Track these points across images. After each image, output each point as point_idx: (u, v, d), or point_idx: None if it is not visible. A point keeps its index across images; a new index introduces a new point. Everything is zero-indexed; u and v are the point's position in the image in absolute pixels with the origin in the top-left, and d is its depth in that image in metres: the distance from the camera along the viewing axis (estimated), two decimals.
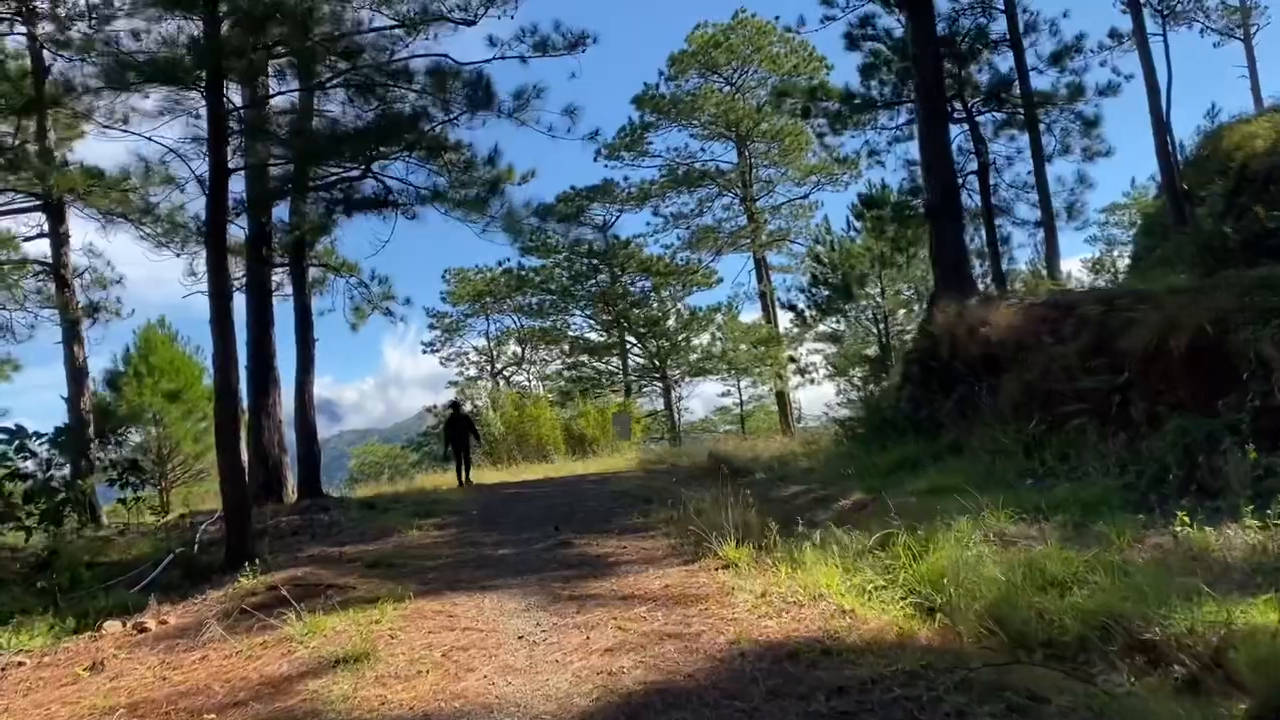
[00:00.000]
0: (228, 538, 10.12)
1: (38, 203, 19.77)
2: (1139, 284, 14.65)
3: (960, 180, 20.08)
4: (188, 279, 18.99)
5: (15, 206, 19.80)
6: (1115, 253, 42.46)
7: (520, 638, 5.83)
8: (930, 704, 4.18)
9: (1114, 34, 23.73)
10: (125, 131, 12.36)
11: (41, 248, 20.85)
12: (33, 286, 20.84)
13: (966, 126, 21.72)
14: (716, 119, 43.92)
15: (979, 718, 4.02)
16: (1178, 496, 8.90)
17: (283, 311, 18.74)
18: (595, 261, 46.20)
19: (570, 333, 49.22)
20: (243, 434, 18.45)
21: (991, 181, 22.46)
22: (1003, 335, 13.80)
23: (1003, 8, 21.87)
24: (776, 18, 42.47)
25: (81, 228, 22.18)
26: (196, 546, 11.42)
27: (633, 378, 46.38)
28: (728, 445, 23.75)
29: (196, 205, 14.69)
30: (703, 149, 45.63)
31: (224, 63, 9.93)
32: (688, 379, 46.73)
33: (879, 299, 34.38)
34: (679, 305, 46.49)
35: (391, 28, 14.75)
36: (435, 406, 47.45)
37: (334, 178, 14.58)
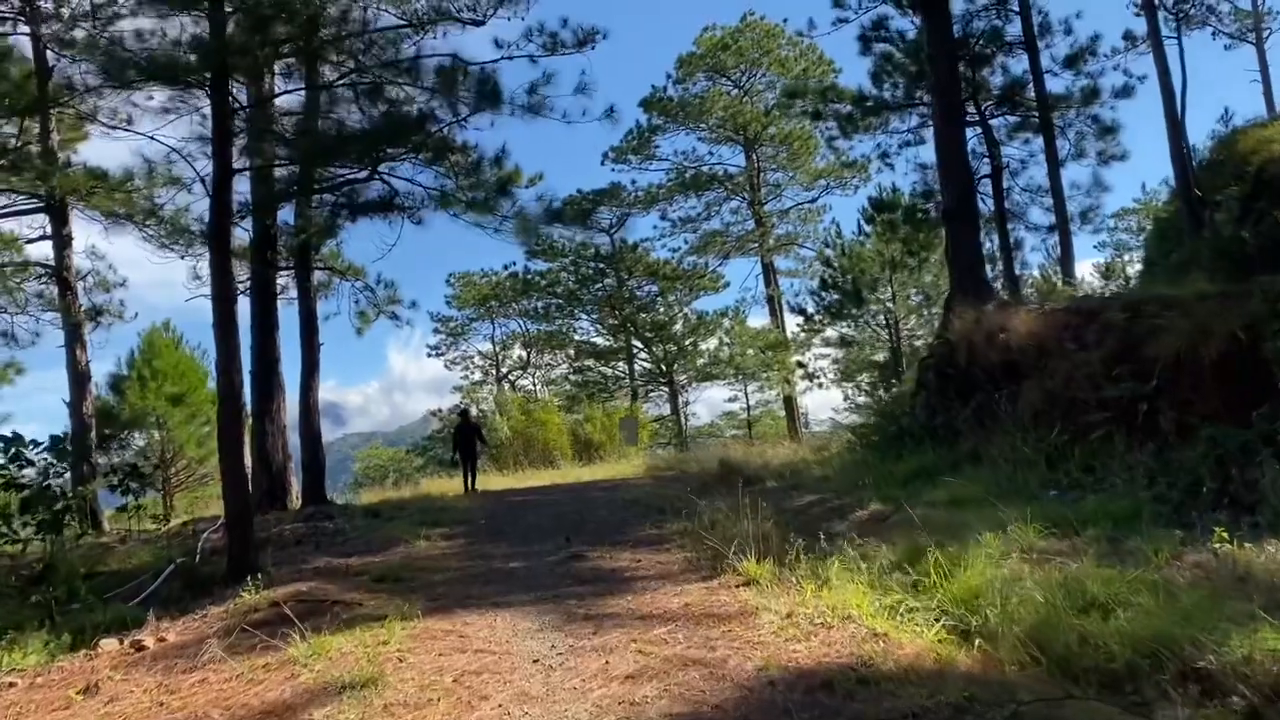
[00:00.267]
0: (230, 548, 9.85)
1: (40, 204, 19.54)
2: (1152, 289, 14.38)
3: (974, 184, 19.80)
4: (192, 283, 18.81)
5: (18, 208, 19.60)
6: (1125, 258, 42.14)
7: (535, 661, 5.55)
8: None
9: (1128, 37, 23.53)
10: (129, 131, 12.15)
11: (44, 250, 20.70)
12: (35, 290, 20.63)
13: (979, 130, 21.48)
14: (724, 122, 43.71)
15: None
16: (1211, 510, 8.58)
17: (288, 315, 18.55)
18: (602, 265, 45.99)
19: (576, 337, 49.06)
20: (246, 439, 18.36)
21: (1005, 185, 22.22)
22: (1023, 341, 13.48)
23: (1017, 9, 21.62)
24: (785, 20, 42.38)
25: (84, 230, 22.00)
26: (198, 556, 11.17)
27: (639, 382, 46.11)
28: (736, 451, 23.41)
29: (200, 207, 14.51)
30: (710, 152, 45.53)
31: (229, 60, 9.67)
32: (694, 384, 46.48)
33: (889, 304, 34.07)
34: (686, 310, 46.31)
35: (399, 27, 14.55)
36: (440, 410, 47.35)
37: (340, 180, 14.34)
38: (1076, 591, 6.02)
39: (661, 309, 46.10)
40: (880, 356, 36.90)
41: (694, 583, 7.45)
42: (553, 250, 45.55)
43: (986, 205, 21.21)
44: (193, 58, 9.87)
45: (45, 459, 10.31)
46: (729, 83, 44.06)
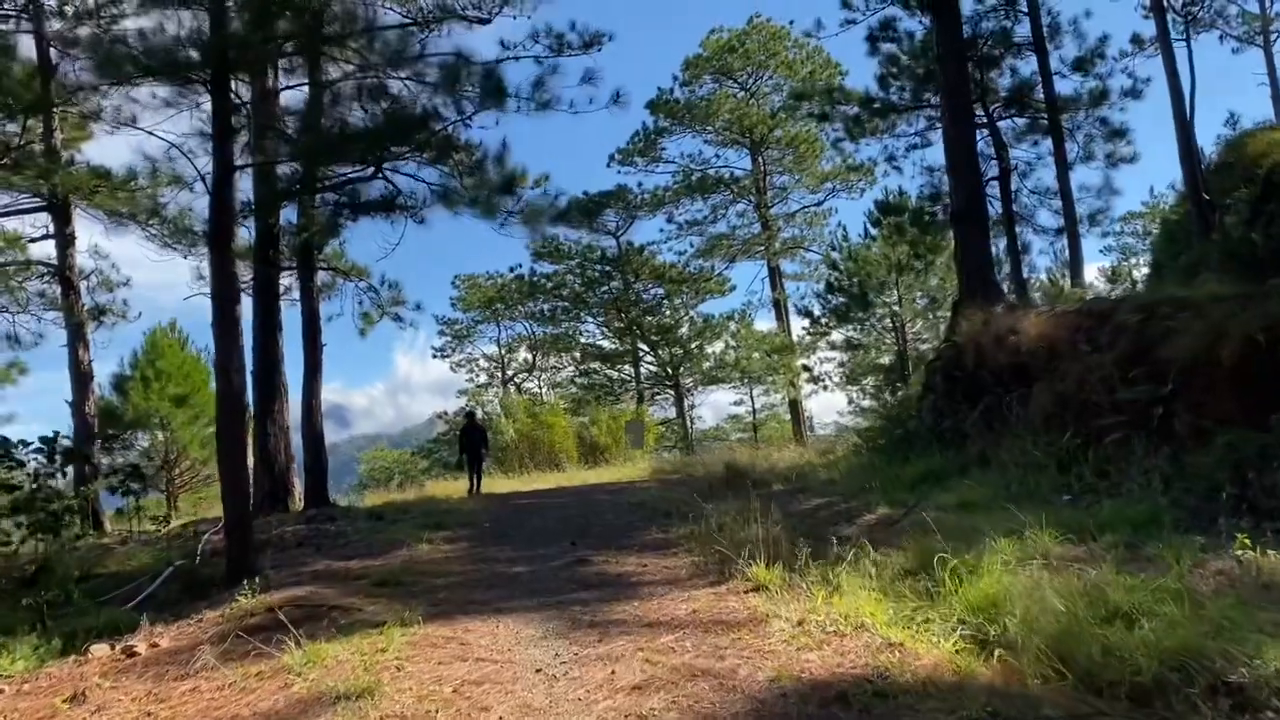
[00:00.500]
0: (229, 551, 9.67)
1: (43, 204, 19.42)
2: (1165, 291, 14.16)
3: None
4: (196, 282, 18.67)
5: (20, 207, 19.49)
6: (1132, 261, 41.94)
7: (538, 670, 5.36)
8: None
9: (1135, 39, 23.40)
10: (132, 128, 12.01)
11: (47, 250, 20.57)
12: (38, 289, 20.52)
13: (987, 132, 21.30)
14: (731, 125, 43.55)
15: None
16: (1230, 516, 8.37)
17: (291, 316, 18.39)
18: (608, 268, 45.82)
19: (582, 340, 48.90)
20: (248, 441, 18.19)
21: (1012, 188, 22.04)
22: (1033, 343, 13.30)
23: (1026, 10, 21.44)
24: (791, 22, 42.24)
25: (88, 230, 21.90)
26: (199, 558, 11.00)
27: (645, 385, 45.93)
28: (742, 455, 23.20)
29: (203, 205, 14.32)
30: (717, 155, 45.43)
31: (229, 55, 9.50)
32: (700, 387, 46.31)
33: (895, 307, 33.91)
34: (692, 313, 46.15)
35: (404, 25, 14.41)
36: (446, 413, 47.24)
37: (343, 179, 14.18)
38: (1098, 600, 5.83)
39: (667, 312, 46.00)
40: (886, 360, 36.73)
41: (702, 588, 7.26)
42: (559, 252, 45.45)
43: (994, 208, 21.04)
44: (193, 53, 9.70)
45: (37, 460, 10.14)
46: (735, 85, 43.92)
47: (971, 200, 17.39)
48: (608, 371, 47.78)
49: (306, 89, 13.70)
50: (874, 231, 34.56)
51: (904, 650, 5.20)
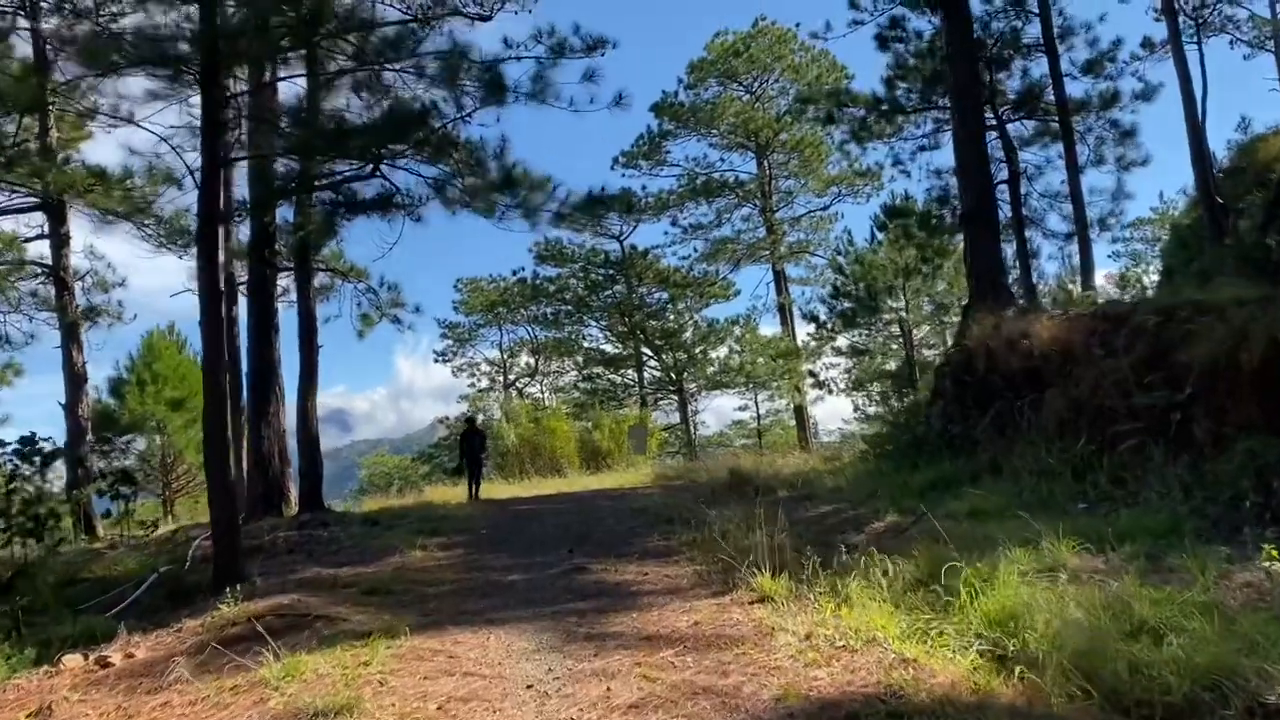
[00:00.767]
0: (216, 557, 9.39)
1: (36, 202, 19.18)
2: (1184, 294, 13.87)
3: None
4: (193, 282, 18.40)
5: (14, 205, 19.24)
6: (1141, 267, 41.60)
7: (529, 687, 5.04)
8: None
9: (1146, 43, 23.15)
10: (128, 124, 11.73)
11: (41, 249, 20.34)
12: (31, 289, 20.28)
13: (997, 135, 21.02)
14: (736, 128, 43.28)
15: None
16: (1255, 526, 8.06)
17: (288, 318, 18.13)
18: (611, 272, 45.54)
19: (585, 344, 48.60)
20: (241, 443, 17.91)
21: (1022, 191, 21.76)
22: (1046, 347, 12.98)
23: (1037, 11, 21.16)
24: (797, 25, 41.97)
25: (83, 229, 21.63)
26: (188, 563, 10.71)
27: (648, 390, 45.62)
28: (746, 461, 22.90)
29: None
30: (722, 159, 45.15)
31: (220, 45, 9.21)
32: (704, 392, 46.00)
33: (903, 312, 33.61)
34: (696, 317, 45.85)
35: (404, 21, 14.14)
36: (447, 418, 46.95)
37: (340, 177, 13.91)
38: (1123, 614, 5.51)
39: (671, 316, 45.69)
40: (892, 365, 36.42)
41: (704, 599, 6.94)
42: (562, 256, 45.22)
43: (1003, 212, 20.73)
44: (183, 45, 9.42)
45: (14, 463, 9.81)
46: (741, 88, 43.67)
47: (982, 201, 17.09)
48: (611, 376, 47.46)
49: (303, 81, 13.40)
50: (880, 235, 34.26)
51: (918, 667, 4.89)
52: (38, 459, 9.93)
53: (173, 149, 10.62)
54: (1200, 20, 24.17)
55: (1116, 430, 10.86)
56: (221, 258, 18.16)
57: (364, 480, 48.87)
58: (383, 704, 4.81)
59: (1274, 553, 6.60)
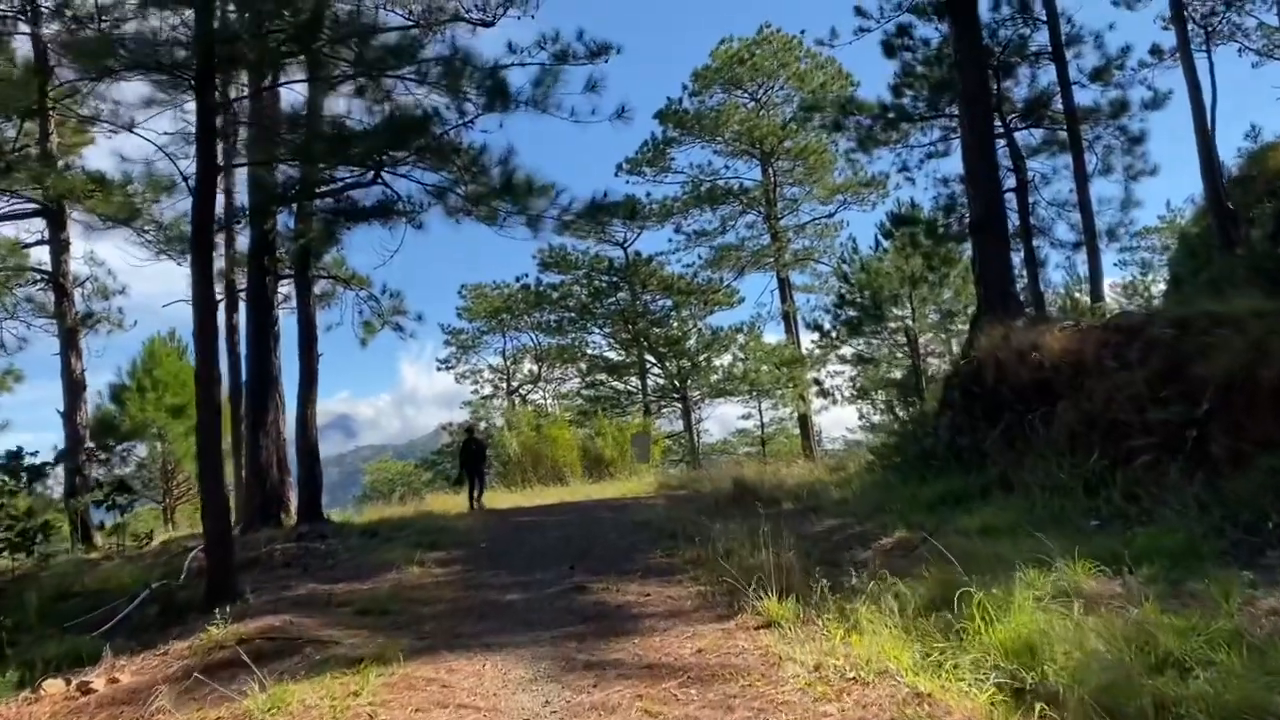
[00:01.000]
0: (209, 572, 9.18)
1: (37, 208, 19.03)
2: (1200, 305, 13.63)
3: None
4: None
5: (14, 211, 19.08)
6: (1149, 277, 41.31)
7: None
8: None
9: (1155, 50, 22.95)
10: (129, 131, 11.56)
11: (40, 255, 20.21)
12: (28, 295, 20.13)
13: (1004, 143, 20.81)
14: (740, 135, 43.13)
15: None
16: (1276, 548, 7.81)
17: (289, 325, 17.95)
18: (615, 279, 45.36)
19: (588, 351, 48.40)
20: (241, 452, 17.71)
21: (1030, 200, 21.55)
22: (1057, 359, 12.72)
23: (1045, 19, 20.96)
24: (803, 32, 41.74)
25: (84, 237, 21.48)
26: (183, 576, 10.48)
27: (652, 398, 45.39)
28: (750, 470, 22.62)
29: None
30: (726, 166, 44.98)
31: (215, 49, 9.02)
32: (708, 400, 45.75)
33: (909, 321, 33.36)
34: (700, 325, 45.64)
35: (406, 28, 13.99)
36: (451, 424, 46.76)
37: (341, 184, 13.73)
38: (1146, 645, 5.27)
39: (675, 324, 45.46)
40: (897, 374, 36.16)
41: (708, 623, 6.71)
42: (566, 262, 45.06)
43: (1011, 221, 20.51)
44: (178, 50, 9.24)
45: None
46: (745, 96, 43.50)
47: (990, 210, 16.84)
48: (614, 383, 47.23)
49: (304, 87, 13.22)
50: (886, 243, 34.04)
51: (933, 702, 4.67)
52: (24, 474, 9.73)
53: (167, 156, 10.41)
54: (1209, 28, 24.01)
55: (1130, 445, 10.60)
56: (221, 265, 18.03)
57: (367, 486, 48.78)
58: None
59: None
